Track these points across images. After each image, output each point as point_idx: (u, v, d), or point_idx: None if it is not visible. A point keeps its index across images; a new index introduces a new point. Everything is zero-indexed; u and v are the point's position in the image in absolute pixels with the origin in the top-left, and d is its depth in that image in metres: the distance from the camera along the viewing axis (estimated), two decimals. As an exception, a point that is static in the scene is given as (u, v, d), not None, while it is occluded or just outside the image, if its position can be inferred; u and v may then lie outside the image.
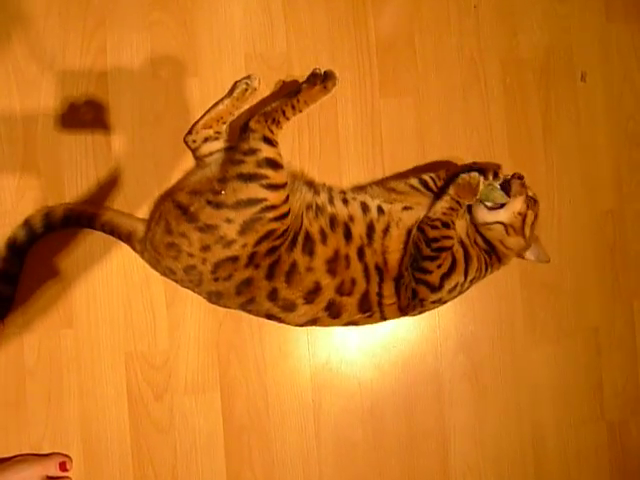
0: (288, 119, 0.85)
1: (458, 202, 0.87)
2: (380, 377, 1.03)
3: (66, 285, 0.95)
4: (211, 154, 0.92)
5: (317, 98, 0.87)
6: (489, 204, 0.89)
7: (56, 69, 0.96)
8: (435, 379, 1.05)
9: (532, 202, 0.90)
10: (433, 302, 0.87)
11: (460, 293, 0.90)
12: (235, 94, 0.94)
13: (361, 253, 0.84)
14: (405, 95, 1.04)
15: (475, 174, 0.86)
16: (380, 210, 0.87)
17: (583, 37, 1.13)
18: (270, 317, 0.86)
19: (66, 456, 0.93)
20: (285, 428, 1.00)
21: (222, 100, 0.95)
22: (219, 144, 0.92)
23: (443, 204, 0.87)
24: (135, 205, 0.97)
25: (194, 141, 0.93)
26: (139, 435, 0.97)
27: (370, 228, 0.85)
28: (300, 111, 0.86)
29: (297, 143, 1.01)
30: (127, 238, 0.91)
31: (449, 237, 0.85)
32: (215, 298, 0.85)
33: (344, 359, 1.02)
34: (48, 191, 0.94)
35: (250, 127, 0.82)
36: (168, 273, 0.85)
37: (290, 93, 0.87)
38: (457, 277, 0.86)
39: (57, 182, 0.95)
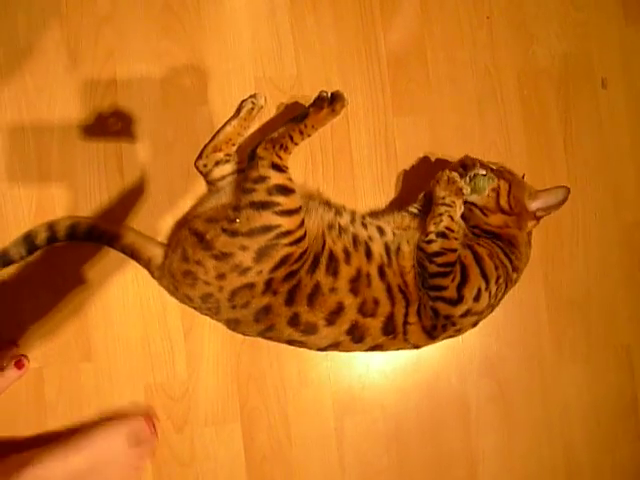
0: (296, 144, 0.86)
1: (444, 204, 0.86)
2: (404, 401, 1.02)
3: (83, 317, 0.98)
4: (223, 177, 0.93)
5: (325, 121, 0.87)
6: (473, 198, 0.90)
7: (68, 97, 0.96)
8: (461, 402, 1.03)
9: (499, 174, 0.91)
10: (463, 315, 0.84)
11: (497, 297, 0.87)
12: (242, 114, 0.96)
13: (382, 272, 0.85)
14: (419, 113, 1.04)
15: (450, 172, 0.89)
16: (394, 234, 0.90)
17: (602, 42, 1.11)
18: (291, 343, 0.87)
19: (151, 416, 0.94)
20: (308, 457, 0.99)
21: (229, 121, 0.97)
22: (230, 167, 0.94)
23: (431, 214, 0.88)
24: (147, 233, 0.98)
25: (205, 165, 0.94)
26: (161, 469, 0.98)
27: (387, 248, 0.87)
28: (309, 135, 0.87)
29: (310, 165, 1.02)
30: (146, 263, 0.92)
31: (452, 250, 0.84)
32: (234, 325, 0.86)
33: (366, 384, 1.01)
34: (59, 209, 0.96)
35: (258, 154, 0.83)
36: (186, 301, 0.87)
37: (297, 117, 0.87)
38: (476, 283, 0.83)
39: (71, 204, 0.97)
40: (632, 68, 1.12)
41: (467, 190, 0.88)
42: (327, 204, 0.93)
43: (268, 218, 0.79)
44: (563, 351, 1.07)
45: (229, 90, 1.01)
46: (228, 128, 0.95)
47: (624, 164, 1.11)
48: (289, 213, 0.80)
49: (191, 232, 0.85)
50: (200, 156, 0.95)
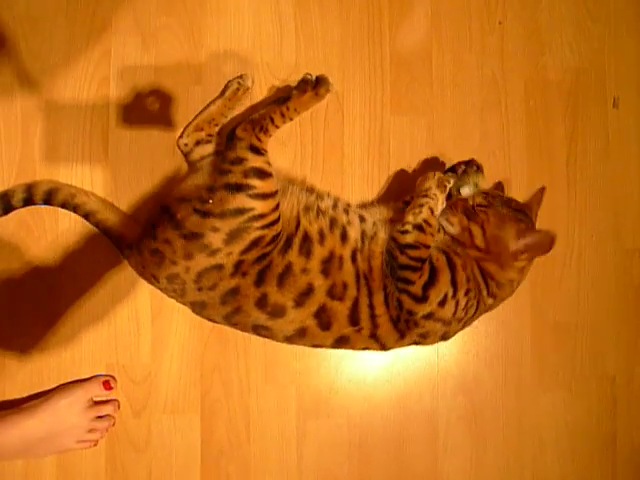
0: (277, 127, 0.84)
1: (426, 196, 0.85)
2: (371, 411, 0.99)
3: (53, 292, 0.95)
4: (202, 158, 0.91)
5: (308, 105, 0.85)
6: (465, 190, 0.89)
7: (61, 72, 0.95)
8: (431, 420, 1.00)
9: (479, 210, 0.87)
10: (426, 317, 0.82)
11: (467, 313, 0.84)
12: (227, 94, 0.94)
13: (354, 257, 0.83)
14: (418, 113, 1.00)
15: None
16: (374, 224, 0.88)
17: (618, 59, 1.07)
18: (256, 329, 0.84)
19: (109, 375, 0.96)
20: (265, 456, 0.97)
21: (214, 101, 0.94)
22: (211, 147, 0.92)
23: (411, 205, 0.86)
24: (125, 209, 0.97)
25: (186, 144, 0.92)
26: (114, 452, 0.95)
27: (363, 234, 0.86)
28: (290, 119, 0.85)
29: (299, 157, 0.99)
30: (117, 241, 0.92)
31: (426, 245, 0.83)
32: (199, 308, 0.84)
33: (333, 389, 0.98)
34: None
35: (237, 135, 0.81)
36: (153, 281, 0.85)
37: (279, 99, 0.85)
38: (444, 287, 0.81)
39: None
40: (646, 89, 1.07)
41: (450, 182, 0.86)
42: (309, 189, 0.91)
43: (242, 201, 0.77)
44: (544, 376, 1.03)
45: (224, 72, 0.99)
46: (212, 107, 0.93)
47: (629, 188, 1.07)
48: (264, 197, 0.79)
49: (162, 210, 0.83)
50: (182, 135, 0.93)
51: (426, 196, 0.85)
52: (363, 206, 0.96)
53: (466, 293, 0.82)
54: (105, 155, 0.96)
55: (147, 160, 0.97)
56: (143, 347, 0.96)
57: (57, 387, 0.94)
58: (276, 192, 0.81)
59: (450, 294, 0.81)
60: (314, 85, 0.83)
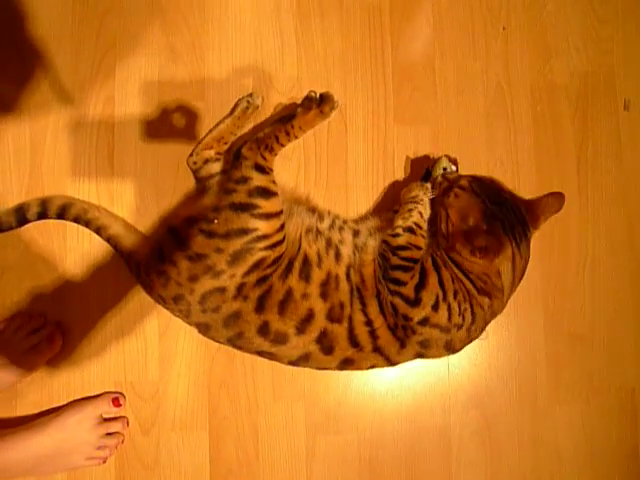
0: (282, 146, 0.84)
1: (414, 202, 0.85)
2: (381, 426, 0.97)
3: (61, 308, 0.96)
4: (211, 176, 0.91)
5: (314, 123, 0.84)
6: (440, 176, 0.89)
7: (67, 91, 0.98)
8: (443, 435, 0.97)
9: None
10: (422, 323, 0.80)
11: (464, 318, 0.81)
12: (236, 112, 0.94)
13: (348, 273, 0.83)
14: (422, 123, 0.99)
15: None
16: (369, 235, 0.88)
17: (627, 61, 1.05)
18: (261, 354, 0.84)
19: (118, 392, 0.96)
20: (275, 474, 0.97)
21: (223, 119, 0.94)
22: (219, 166, 0.92)
23: (400, 211, 0.87)
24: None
25: (195, 163, 0.93)
26: (124, 470, 0.96)
27: (355, 247, 0.86)
28: (296, 137, 0.84)
29: (303, 171, 0.98)
30: (127, 258, 0.92)
31: (417, 246, 0.83)
32: (204, 330, 0.84)
33: (342, 405, 0.97)
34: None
35: (242, 154, 0.82)
36: (160, 301, 0.86)
37: (284, 118, 0.85)
38: (434, 289, 0.80)
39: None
40: (659, 90, 1.04)
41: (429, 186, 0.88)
42: (312, 209, 0.91)
43: (246, 221, 0.77)
44: (560, 389, 0.99)
45: (227, 88, 0.99)
46: (221, 126, 0.94)
47: (643, 194, 1.03)
48: (268, 217, 0.79)
49: (169, 231, 0.84)
50: (191, 153, 0.94)
51: (414, 202, 0.86)
52: (358, 220, 0.95)
53: (455, 296, 0.80)
54: (111, 170, 0.98)
55: (152, 176, 0.98)
56: (151, 364, 0.96)
57: (67, 404, 0.95)
58: (281, 212, 0.81)
59: (441, 296, 0.79)
60: (318, 103, 0.83)
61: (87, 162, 0.97)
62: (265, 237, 0.78)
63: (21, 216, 0.92)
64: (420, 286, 0.79)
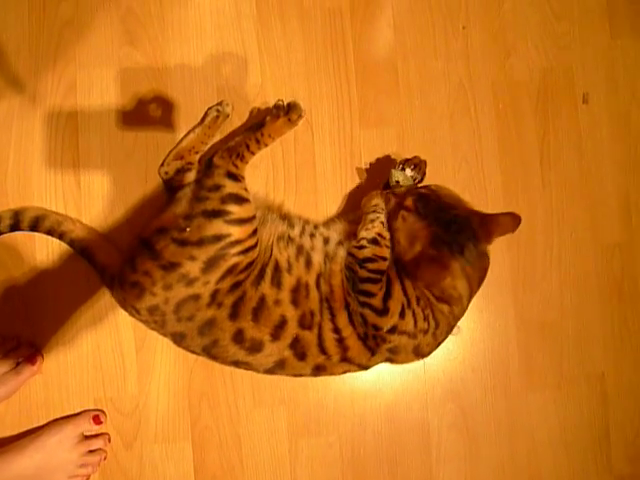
0: (253, 153, 0.86)
1: (375, 211, 0.86)
2: (361, 427, 0.99)
3: (35, 329, 0.95)
4: (182, 187, 0.91)
5: (282, 131, 0.87)
6: (400, 187, 0.89)
7: (28, 104, 0.96)
8: (422, 430, 1.00)
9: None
10: (391, 331, 0.81)
11: (429, 324, 0.83)
12: (206, 122, 0.94)
13: (318, 282, 0.85)
14: (387, 125, 1.01)
15: None
16: (340, 243, 0.89)
17: (584, 56, 1.08)
18: (236, 364, 0.85)
19: (99, 410, 0.96)
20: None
21: (193, 129, 0.95)
22: (192, 175, 0.92)
23: (362, 222, 0.87)
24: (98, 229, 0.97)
25: (166, 173, 0.94)
26: (108, 485, 0.93)
27: (326, 256, 0.87)
28: (266, 145, 0.87)
29: (272, 178, 1.00)
30: (100, 272, 0.93)
31: (383, 257, 0.83)
32: (179, 339, 0.85)
33: (322, 407, 0.99)
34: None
35: (214, 163, 0.83)
36: (134, 313, 0.86)
37: (254, 126, 0.87)
38: (399, 297, 0.81)
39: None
40: (615, 83, 1.08)
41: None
42: (283, 216, 0.92)
43: (219, 227, 0.79)
44: (532, 377, 1.03)
45: (191, 98, 1.00)
46: (191, 136, 0.94)
47: (604, 183, 1.07)
48: (240, 222, 0.80)
49: (141, 242, 0.84)
50: (162, 163, 0.94)
51: (375, 211, 0.86)
52: (328, 223, 0.95)
53: (418, 302, 0.82)
54: (77, 187, 0.97)
55: (120, 194, 0.97)
56: (129, 379, 0.97)
57: (47, 424, 0.95)
58: (253, 217, 0.82)
59: (406, 304, 0.81)
60: (286, 111, 0.85)
61: (52, 154, 0.96)
62: (238, 242, 0.79)
63: None
64: (387, 296, 0.81)
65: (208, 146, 0.95)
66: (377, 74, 1.02)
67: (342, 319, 0.82)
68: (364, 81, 1.02)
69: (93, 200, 0.97)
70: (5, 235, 0.94)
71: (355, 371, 0.85)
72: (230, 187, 0.81)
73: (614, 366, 1.05)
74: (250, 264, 0.81)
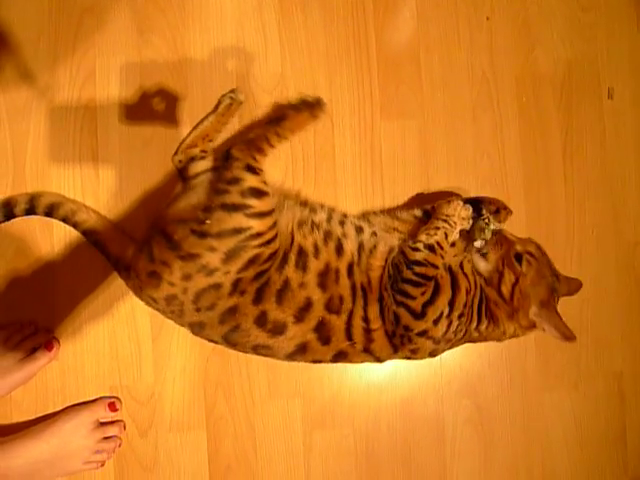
0: (273, 147, 0.84)
1: (446, 221, 0.86)
2: (376, 420, 1.00)
3: (52, 316, 0.96)
4: (197, 175, 0.91)
5: (303, 126, 0.85)
6: (478, 243, 0.88)
7: (46, 93, 0.97)
8: (436, 424, 1.00)
9: (514, 262, 0.86)
10: (420, 334, 0.83)
11: (455, 335, 0.85)
12: (220, 109, 0.94)
13: (350, 270, 0.84)
14: (408, 117, 1.00)
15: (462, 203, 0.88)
16: (373, 234, 0.89)
17: (610, 49, 1.06)
18: (256, 349, 0.85)
19: (114, 397, 0.97)
20: (273, 471, 0.98)
21: (207, 117, 0.95)
22: (205, 164, 0.92)
23: (427, 225, 0.87)
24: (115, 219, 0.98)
25: (180, 161, 0.93)
26: (123, 473, 0.98)
27: (360, 246, 0.87)
28: (286, 139, 0.85)
29: (291, 169, 0.99)
30: (114, 262, 0.93)
31: (434, 265, 0.84)
32: (198, 329, 0.85)
33: (338, 399, 0.99)
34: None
35: (233, 155, 0.82)
36: (151, 302, 0.86)
37: (275, 119, 0.85)
38: (442, 305, 0.82)
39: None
40: (642, 78, 1.05)
41: (468, 224, 0.87)
42: (303, 203, 0.92)
43: (239, 220, 0.78)
44: (549, 375, 1.03)
45: (210, 86, 0.99)
46: (205, 123, 0.94)
47: (627, 180, 1.05)
48: (261, 216, 0.80)
49: (159, 232, 0.84)
50: (176, 151, 0.94)
51: (445, 221, 0.86)
52: (363, 216, 0.95)
53: (459, 317, 0.84)
54: (96, 175, 0.97)
55: (139, 182, 0.98)
56: (145, 367, 0.97)
57: (63, 410, 0.96)
58: (273, 210, 0.82)
59: (445, 313, 0.82)
60: (311, 106, 0.83)
61: (71, 142, 0.96)
62: (258, 235, 0.79)
63: (8, 211, 0.93)
64: (429, 302, 0.82)
65: (221, 134, 0.95)
66: (399, 65, 1.01)
67: (373, 311, 0.82)
68: (386, 72, 1.01)
69: (110, 188, 0.97)
70: (24, 222, 0.95)
71: (371, 362, 0.85)
72: (250, 181, 0.80)
73: (632, 366, 1.04)
74: (272, 254, 0.81)
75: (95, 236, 0.93)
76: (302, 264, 0.82)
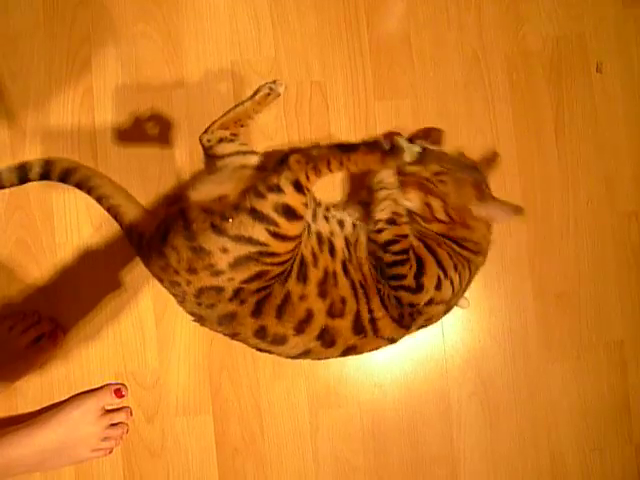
0: (331, 172, 0.79)
1: (384, 188, 0.85)
2: (381, 398, 1.00)
3: (55, 305, 0.97)
4: (224, 156, 0.91)
5: (370, 165, 0.79)
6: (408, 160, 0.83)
7: (43, 86, 0.98)
8: (442, 399, 1.01)
9: (432, 187, 0.86)
10: (428, 304, 0.82)
11: (462, 284, 0.85)
12: (257, 98, 0.97)
13: (345, 268, 0.83)
14: (402, 97, 1.02)
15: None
16: (354, 226, 0.88)
17: (597, 24, 1.09)
18: (259, 350, 0.85)
19: (120, 383, 0.98)
20: (281, 452, 0.98)
21: (243, 102, 0.98)
22: (233, 147, 0.93)
23: (374, 202, 0.85)
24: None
25: (208, 140, 0.94)
26: (131, 459, 0.98)
27: (347, 242, 0.86)
28: (346, 170, 0.80)
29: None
30: (127, 229, 0.93)
31: (404, 235, 0.83)
32: (198, 320, 0.85)
33: (342, 379, 1.00)
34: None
35: (288, 164, 0.77)
36: (157, 279, 0.85)
37: (344, 146, 0.79)
38: (434, 272, 0.82)
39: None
40: (629, 52, 1.10)
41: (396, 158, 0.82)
42: None
43: (259, 233, 0.74)
44: (551, 346, 1.04)
45: (205, 73, 1.00)
46: (240, 108, 0.97)
47: (619, 152, 1.08)
48: (283, 238, 0.76)
49: (181, 214, 0.81)
50: (206, 131, 0.95)
51: (383, 188, 0.85)
52: (339, 205, 0.94)
53: (455, 269, 0.83)
54: (95, 164, 0.99)
55: (135, 171, 0.99)
56: (150, 352, 0.98)
57: (69, 398, 0.97)
58: (298, 237, 0.78)
59: (442, 276, 0.82)
60: (384, 152, 0.77)
61: (69, 136, 0.98)
62: (274, 255, 0.76)
63: (23, 174, 0.94)
64: (419, 274, 0.81)
65: (253, 120, 0.97)
66: (391, 46, 1.03)
67: (376, 302, 0.81)
68: (378, 53, 1.03)
69: (110, 173, 0.98)
70: (25, 212, 0.96)
71: (385, 346, 0.85)
72: (290, 197, 0.75)
73: (633, 334, 1.06)
74: (280, 274, 0.79)
75: (109, 201, 0.94)
76: (303, 275, 0.80)
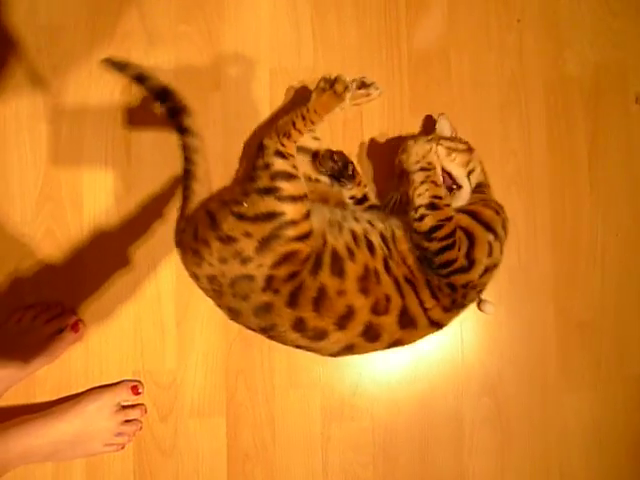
0: (299, 131, 0.84)
1: (422, 169, 0.84)
2: (395, 413, 1.01)
3: (77, 298, 0.99)
4: None
5: (328, 106, 0.84)
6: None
7: (83, 80, 1.00)
8: (455, 421, 1.01)
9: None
10: (482, 275, 0.84)
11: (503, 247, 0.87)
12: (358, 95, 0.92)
13: (387, 265, 0.84)
14: (437, 113, 0.98)
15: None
16: (384, 221, 0.89)
17: (639, 54, 1.03)
18: (298, 347, 0.85)
19: (137, 381, 0.99)
20: (291, 460, 0.99)
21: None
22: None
23: (412, 186, 0.84)
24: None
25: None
26: (142, 456, 0.99)
27: (383, 237, 0.86)
28: (312, 122, 0.84)
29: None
30: (184, 217, 0.92)
31: (448, 218, 0.82)
32: (234, 315, 0.86)
33: (357, 392, 1.00)
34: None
35: (264, 144, 0.84)
36: (194, 278, 0.87)
37: (301, 104, 0.86)
38: (484, 240, 0.83)
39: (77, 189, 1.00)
40: (670, 84, 1.06)
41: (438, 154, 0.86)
42: (325, 201, 0.93)
43: (272, 204, 0.79)
44: (569, 376, 1.03)
45: (243, 78, 1.01)
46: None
47: (651, 186, 1.06)
48: (293, 199, 0.79)
49: (205, 211, 0.87)
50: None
51: (423, 169, 0.84)
52: (362, 210, 0.95)
53: (503, 225, 0.85)
54: (128, 161, 1.00)
55: (169, 165, 1.00)
56: (168, 352, 0.99)
57: (86, 391, 0.98)
58: (305, 196, 0.82)
59: (492, 239, 0.83)
60: (331, 84, 0.82)
61: (104, 136, 0.99)
62: (293, 223, 0.78)
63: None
64: (471, 248, 0.81)
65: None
66: (429, 63, 1.04)
67: (426, 294, 0.82)
68: (416, 70, 1.03)
69: (143, 173, 0.99)
70: (54, 203, 0.97)
71: (432, 332, 0.84)
72: (278, 165, 0.81)
73: (653, 370, 1.05)
74: (307, 258, 0.80)
75: (191, 180, 0.93)
76: (338, 270, 0.80)
